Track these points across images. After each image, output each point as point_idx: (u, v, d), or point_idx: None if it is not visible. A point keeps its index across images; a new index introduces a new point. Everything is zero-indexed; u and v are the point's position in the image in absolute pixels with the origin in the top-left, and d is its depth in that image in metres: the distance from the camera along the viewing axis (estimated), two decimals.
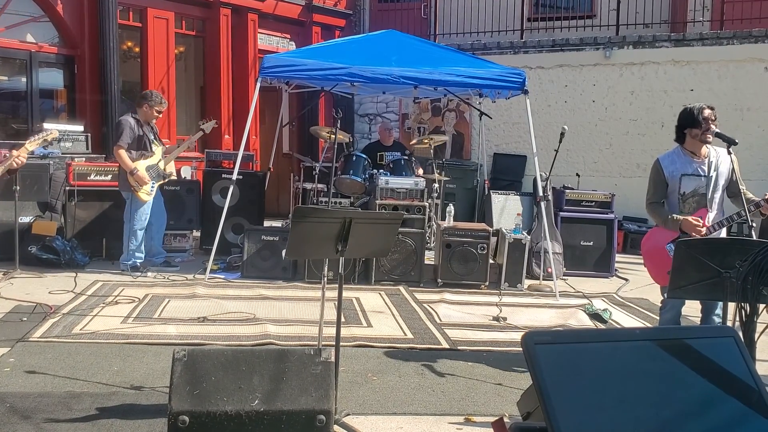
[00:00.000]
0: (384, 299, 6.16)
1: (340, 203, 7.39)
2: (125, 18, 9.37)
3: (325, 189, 7.55)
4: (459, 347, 4.83)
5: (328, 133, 7.81)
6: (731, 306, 3.09)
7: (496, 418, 1.44)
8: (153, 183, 6.80)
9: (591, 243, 7.71)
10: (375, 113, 11.46)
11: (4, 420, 3.35)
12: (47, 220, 7.30)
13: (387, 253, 5.52)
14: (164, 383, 3.52)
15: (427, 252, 7.17)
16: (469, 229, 6.90)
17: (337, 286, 3.59)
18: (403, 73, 6.84)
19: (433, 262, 7.36)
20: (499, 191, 8.95)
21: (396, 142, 8.96)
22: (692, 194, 4.14)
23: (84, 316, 5.22)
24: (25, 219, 7.11)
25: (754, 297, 2.91)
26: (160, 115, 7.13)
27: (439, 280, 6.77)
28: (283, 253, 6.26)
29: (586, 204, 7.84)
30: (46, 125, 7.51)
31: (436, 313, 5.75)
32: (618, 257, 8.02)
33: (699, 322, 4.25)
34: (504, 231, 7.00)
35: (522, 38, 10.93)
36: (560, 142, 7.01)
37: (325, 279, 3.74)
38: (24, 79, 8.66)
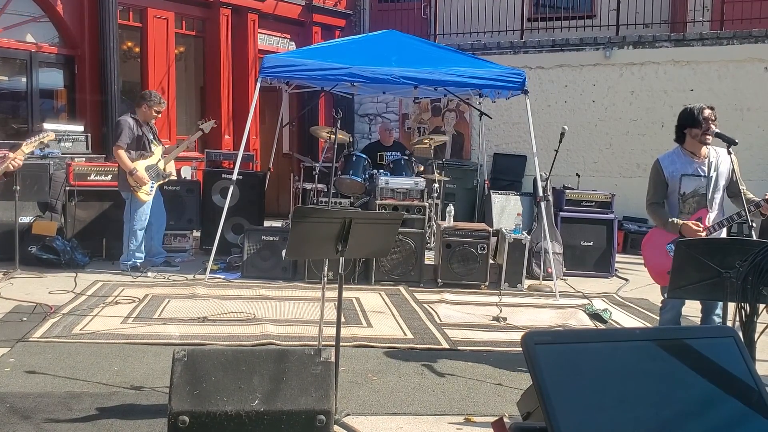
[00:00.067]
0: (384, 299, 6.16)
1: (340, 203, 7.38)
2: (125, 18, 9.37)
3: (325, 189, 7.54)
4: (459, 347, 4.83)
5: (328, 133, 7.80)
6: (731, 306, 3.09)
7: (496, 418, 1.44)
8: (152, 183, 6.80)
9: (591, 243, 7.71)
10: (375, 113, 11.46)
11: (4, 420, 3.35)
12: (47, 220, 7.30)
13: (387, 254, 5.52)
14: (164, 383, 3.52)
15: (427, 252, 7.17)
16: (469, 229, 6.90)
17: (337, 286, 3.59)
18: (403, 73, 6.84)
19: (433, 262, 7.36)
20: (499, 191, 8.94)
21: (396, 142, 8.96)
22: (692, 194, 4.13)
23: (84, 317, 5.22)
24: (25, 219, 7.11)
25: (754, 297, 2.91)
26: (159, 115, 7.13)
27: (439, 280, 6.78)
28: (283, 253, 6.26)
29: (586, 204, 7.84)
30: (46, 125, 7.53)
31: (436, 313, 5.75)
32: (618, 257, 8.02)
33: (699, 322, 4.25)
34: (504, 231, 7.00)
35: (522, 38, 10.92)
36: (560, 142, 7.01)
37: (325, 279, 3.74)
38: (24, 79, 8.66)
